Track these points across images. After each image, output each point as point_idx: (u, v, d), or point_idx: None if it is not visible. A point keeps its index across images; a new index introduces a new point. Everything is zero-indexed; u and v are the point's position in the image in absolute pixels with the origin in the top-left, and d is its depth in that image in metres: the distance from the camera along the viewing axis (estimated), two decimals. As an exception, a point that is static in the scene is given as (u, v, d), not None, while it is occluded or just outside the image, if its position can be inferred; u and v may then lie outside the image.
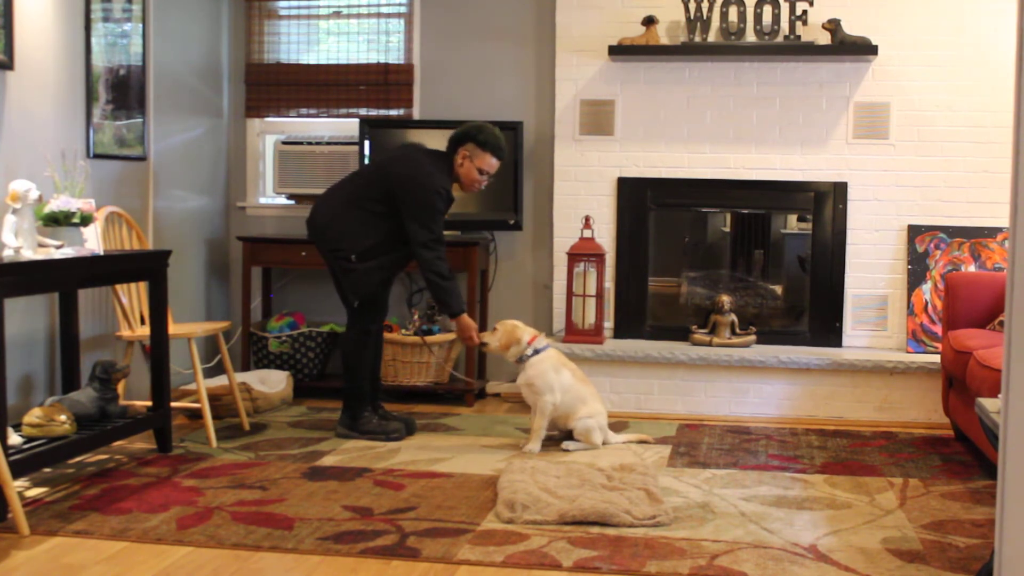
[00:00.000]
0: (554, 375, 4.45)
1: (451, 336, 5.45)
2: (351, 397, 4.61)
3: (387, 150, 5.24)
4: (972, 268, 5.20)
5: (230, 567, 3.00)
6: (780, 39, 5.25)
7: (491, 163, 4.46)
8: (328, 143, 5.76)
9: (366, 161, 5.58)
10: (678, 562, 3.04)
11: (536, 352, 4.49)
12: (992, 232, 5.22)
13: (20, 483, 3.73)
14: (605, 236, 5.51)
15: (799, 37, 5.22)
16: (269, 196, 6.02)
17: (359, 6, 5.85)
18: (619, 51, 5.34)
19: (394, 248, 4.51)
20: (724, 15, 5.27)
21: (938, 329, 5.18)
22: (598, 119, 5.51)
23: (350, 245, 4.46)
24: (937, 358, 4.91)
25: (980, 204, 5.23)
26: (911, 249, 5.30)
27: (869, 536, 3.29)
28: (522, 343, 4.50)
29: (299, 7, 5.93)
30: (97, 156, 4.68)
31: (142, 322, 4.54)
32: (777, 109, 5.39)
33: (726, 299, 5.34)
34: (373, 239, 4.47)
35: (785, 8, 5.24)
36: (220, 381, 5.06)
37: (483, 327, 5.70)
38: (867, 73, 5.30)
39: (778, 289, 5.66)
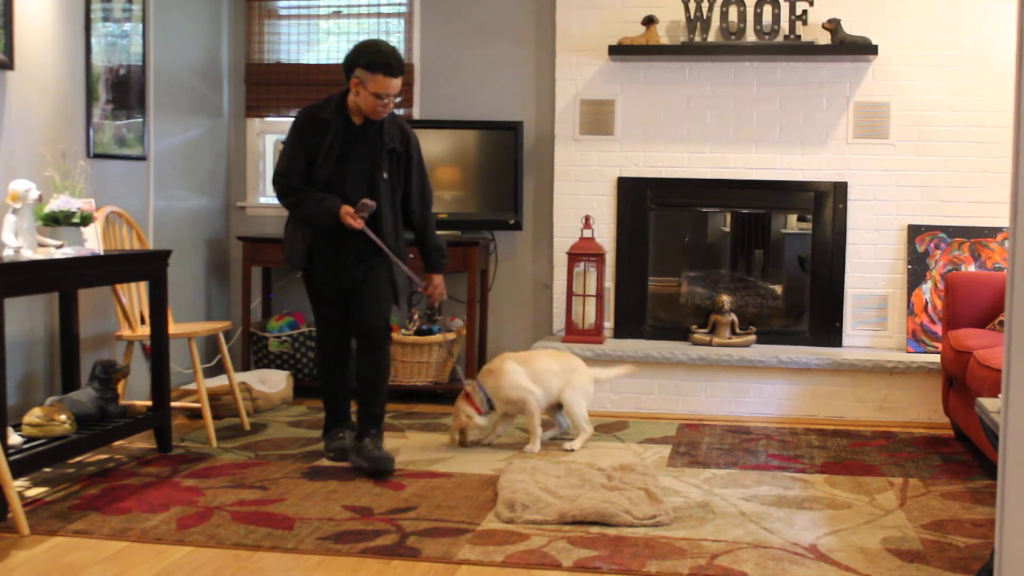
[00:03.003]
0: (521, 379, 4.42)
1: (451, 336, 5.46)
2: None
3: None
4: (972, 268, 5.20)
5: (230, 567, 3.00)
6: (780, 39, 5.25)
7: (385, 83, 3.88)
8: (328, 143, 5.75)
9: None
10: (678, 562, 3.04)
11: (487, 403, 4.42)
12: (992, 232, 5.22)
13: (20, 483, 3.73)
14: (605, 236, 5.51)
15: (799, 37, 5.22)
16: (269, 196, 6.02)
17: (359, 6, 5.86)
18: (619, 51, 5.34)
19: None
20: (724, 15, 5.27)
21: (938, 329, 5.18)
22: (598, 119, 5.51)
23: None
24: (937, 358, 4.90)
25: (980, 204, 5.23)
26: (911, 249, 5.30)
27: (869, 536, 3.29)
28: (472, 417, 4.38)
29: (299, 7, 5.93)
30: (97, 156, 4.68)
31: (142, 322, 4.54)
32: (777, 109, 5.39)
33: (726, 299, 5.34)
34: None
35: (785, 8, 5.24)
36: (220, 381, 5.06)
37: (484, 327, 5.71)
38: (867, 73, 5.30)
39: (778, 289, 5.66)
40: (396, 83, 3.91)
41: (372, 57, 3.89)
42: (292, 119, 4.16)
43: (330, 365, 4.22)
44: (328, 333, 4.19)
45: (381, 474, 3.91)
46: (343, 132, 3.99)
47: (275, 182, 4.05)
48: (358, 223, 3.95)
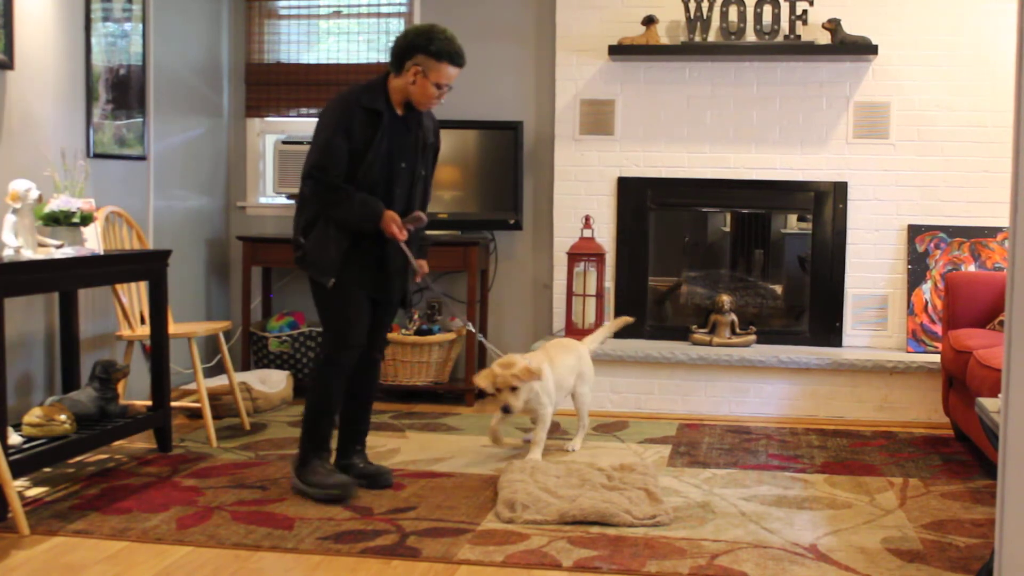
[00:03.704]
0: (550, 387, 4.27)
1: (451, 336, 5.46)
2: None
3: None
4: (972, 268, 5.20)
5: (230, 567, 3.00)
6: (780, 39, 5.25)
7: (449, 74, 3.63)
8: (328, 143, 5.75)
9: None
10: (678, 562, 3.04)
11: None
12: (992, 232, 5.22)
13: (20, 483, 3.73)
14: (605, 236, 5.51)
15: (799, 37, 5.22)
16: (269, 196, 6.02)
17: (359, 6, 5.86)
18: (619, 51, 5.34)
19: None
20: (724, 15, 5.27)
21: (938, 329, 5.18)
22: (598, 119, 5.51)
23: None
24: (937, 358, 4.90)
25: (980, 204, 5.23)
26: (911, 249, 5.30)
27: (869, 536, 3.29)
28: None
29: (299, 7, 5.93)
30: (97, 156, 4.68)
31: (142, 322, 4.54)
32: (777, 109, 5.39)
33: (726, 299, 5.34)
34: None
35: (785, 8, 5.24)
36: (220, 381, 5.06)
37: (484, 328, 5.71)
38: (867, 73, 5.30)
39: (778, 289, 5.66)
40: (456, 74, 3.68)
41: (442, 44, 3.58)
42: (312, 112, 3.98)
43: (341, 382, 3.72)
44: (348, 346, 3.69)
45: (385, 486, 3.79)
46: (390, 125, 3.63)
47: (311, 176, 3.56)
48: (403, 235, 3.59)
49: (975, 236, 5.24)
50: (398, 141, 3.64)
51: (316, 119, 3.74)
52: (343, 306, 3.69)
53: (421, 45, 3.56)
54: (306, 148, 5.63)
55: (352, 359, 3.70)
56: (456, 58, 3.63)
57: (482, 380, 4.17)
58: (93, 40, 4.63)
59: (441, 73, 3.60)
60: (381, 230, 3.58)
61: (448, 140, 5.61)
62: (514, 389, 4.08)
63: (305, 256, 3.66)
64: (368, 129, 3.56)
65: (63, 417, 3.72)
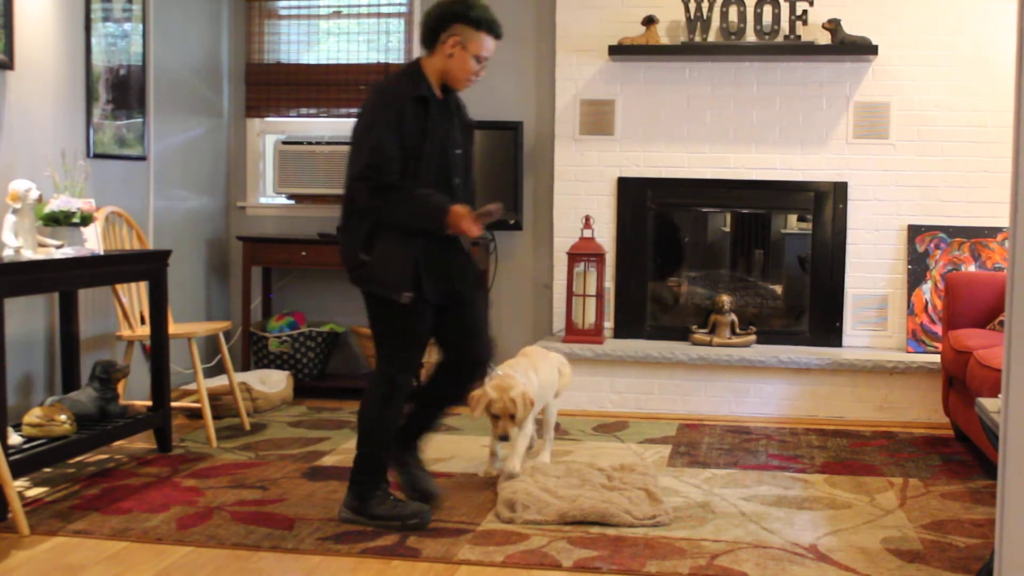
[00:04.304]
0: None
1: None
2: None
3: None
4: (972, 268, 5.20)
5: (230, 567, 3.00)
6: (780, 39, 5.25)
7: (489, 46, 3.33)
8: (328, 143, 5.76)
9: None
10: (678, 562, 3.04)
11: None
12: (992, 232, 5.22)
13: (20, 483, 3.73)
14: (605, 236, 5.50)
15: (799, 37, 5.22)
16: (269, 196, 6.02)
17: (359, 6, 5.85)
18: (619, 51, 5.34)
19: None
20: (724, 15, 5.27)
21: (938, 329, 5.18)
22: (598, 119, 5.51)
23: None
24: (937, 358, 4.90)
25: (980, 204, 5.23)
26: (911, 249, 5.30)
27: (869, 536, 3.29)
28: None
29: (299, 7, 5.93)
30: (97, 156, 4.68)
31: (142, 322, 4.54)
32: (777, 109, 5.39)
33: (726, 299, 5.34)
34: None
35: (785, 8, 5.24)
36: (220, 381, 5.06)
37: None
38: (867, 73, 5.30)
39: (778, 289, 5.66)
40: (494, 48, 3.37)
41: (481, 12, 3.29)
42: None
43: (400, 404, 3.42)
44: (413, 368, 3.43)
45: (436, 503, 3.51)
46: (437, 111, 3.33)
47: (363, 179, 3.22)
48: (476, 230, 3.25)
49: (975, 236, 5.24)
50: (446, 127, 3.35)
51: (352, 118, 3.41)
52: (413, 324, 3.35)
53: (460, 12, 3.27)
54: (306, 148, 5.72)
55: (410, 376, 3.41)
56: (495, 27, 3.34)
57: (477, 406, 3.77)
58: (93, 40, 4.63)
59: (481, 44, 3.30)
60: (446, 229, 3.24)
61: (448, 140, 5.63)
62: (513, 416, 3.75)
63: (371, 272, 3.28)
64: (418, 120, 3.26)
65: (63, 417, 3.72)
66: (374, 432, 3.38)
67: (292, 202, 5.87)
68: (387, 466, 3.44)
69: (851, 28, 5.19)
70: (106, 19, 4.75)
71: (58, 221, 3.77)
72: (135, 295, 4.55)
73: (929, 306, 5.26)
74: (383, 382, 3.37)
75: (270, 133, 6.01)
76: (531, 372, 4.00)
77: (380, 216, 3.25)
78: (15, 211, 3.64)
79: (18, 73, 4.12)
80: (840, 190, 5.34)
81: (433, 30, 3.31)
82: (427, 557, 3.07)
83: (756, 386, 5.15)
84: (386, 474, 3.43)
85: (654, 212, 5.54)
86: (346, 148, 5.90)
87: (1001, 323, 4.50)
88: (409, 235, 3.26)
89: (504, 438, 3.78)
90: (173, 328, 4.44)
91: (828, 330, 5.38)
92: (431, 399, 3.61)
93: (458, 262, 3.42)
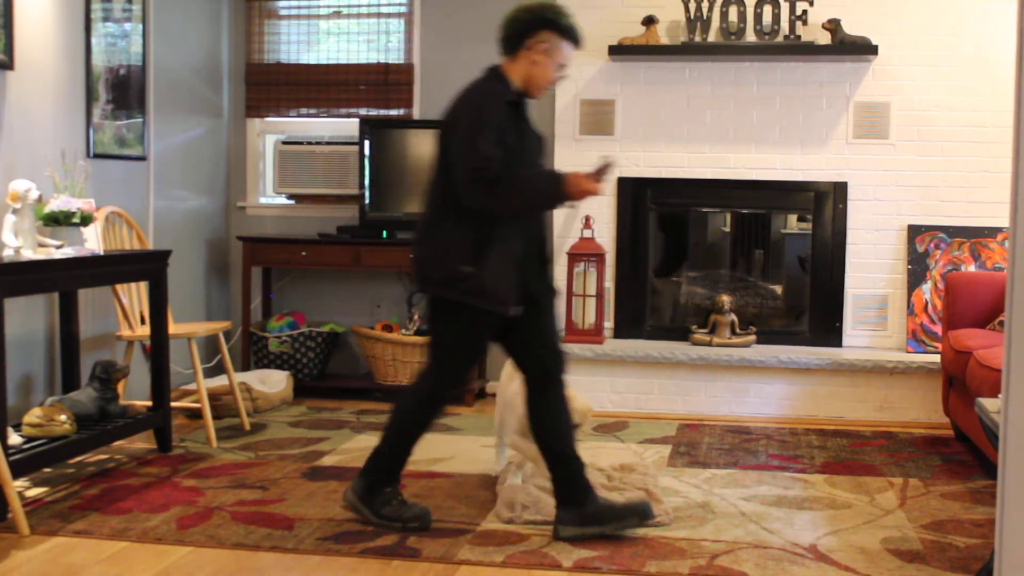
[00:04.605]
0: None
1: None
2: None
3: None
4: (972, 268, 5.20)
5: (230, 567, 3.00)
6: (780, 39, 5.25)
7: (572, 55, 3.29)
8: (328, 143, 5.76)
9: (366, 162, 5.57)
10: (678, 562, 3.04)
11: None
12: (992, 232, 5.22)
13: (20, 483, 3.73)
14: (605, 236, 5.50)
15: (799, 37, 5.22)
16: (269, 196, 6.02)
17: (359, 6, 5.85)
18: (619, 51, 5.34)
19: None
20: (724, 15, 5.27)
21: (938, 329, 5.18)
22: (598, 119, 5.51)
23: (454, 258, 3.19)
24: (937, 358, 4.90)
25: (980, 204, 5.23)
26: (911, 249, 5.29)
27: (869, 536, 3.29)
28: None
29: (299, 7, 5.93)
30: (97, 156, 4.68)
31: (142, 322, 4.54)
32: (777, 109, 5.39)
33: (726, 299, 5.34)
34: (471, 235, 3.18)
35: (785, 8, 5.24)
36: (220, 381, 5.06)
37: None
38: (867, 73, 5.30)
39: (778, 289, 5.66)
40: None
41: (570, 22, 3.24)
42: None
43: (436, 416, 3.40)
44: (463, 379, 3.38)
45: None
46: (524, 116, 3.31)
47: (482, 168, 3.06)
48: (601, 187, 3.17)
49: (975, 236, 5.24)
50: (531, 134, 3.33)
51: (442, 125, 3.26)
52: (479, 341, 3.30)
53: (551, 20, 3.21)
54: (306, 148, 5.72)
55: (461, 387, 3.33)
56: (580, 38, 3.29)
57: (580, 415, 3.53)
58: (93, 40, 4.63)
59: (566, 54, 3.24)
60: (569, 197, 3.13)
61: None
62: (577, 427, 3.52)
63: (477, 285, 3.13)
64: (514, 123, 3.21)
65: (63, 417, 3.72)
66: (402, 432, 3.35)
67: (292, 202, 5.88)
68: (402, 468, 3.41)
69: (851, 28, 5.19)
70: (106, 19, 4.75)
71: (58, 221, 3.77)
72: (135, 295, 4.55)
73: (929, 306, 5.26)
74: (428, 395, 3.32)
75: (270, 133, 6.01)
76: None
77: (496, 211, 3.11)
78: (15, 211, 3.64)
79: (18, 73, 4.12)
80: (840, 190, 5.34)
81: (519, 35, 3.23)
82: (427, 557, 3.07)
83: (756, 386, 5.16)
84: (399, 475, 3.40)
85: (654, 212, 5.54)
86: (345, 148, 5.93)
87: (1001, 323, 4.50)
88: (509, 239, 3.17)
89: None
90: (173, 328, 4.44)
91: (828, 330, 5.38)
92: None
93: (539, 264, 3.35)
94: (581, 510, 3.22)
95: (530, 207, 3.20)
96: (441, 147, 3.24)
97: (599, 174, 3.14)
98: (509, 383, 3.71)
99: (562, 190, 3.13)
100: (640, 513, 3.27)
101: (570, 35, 3.25)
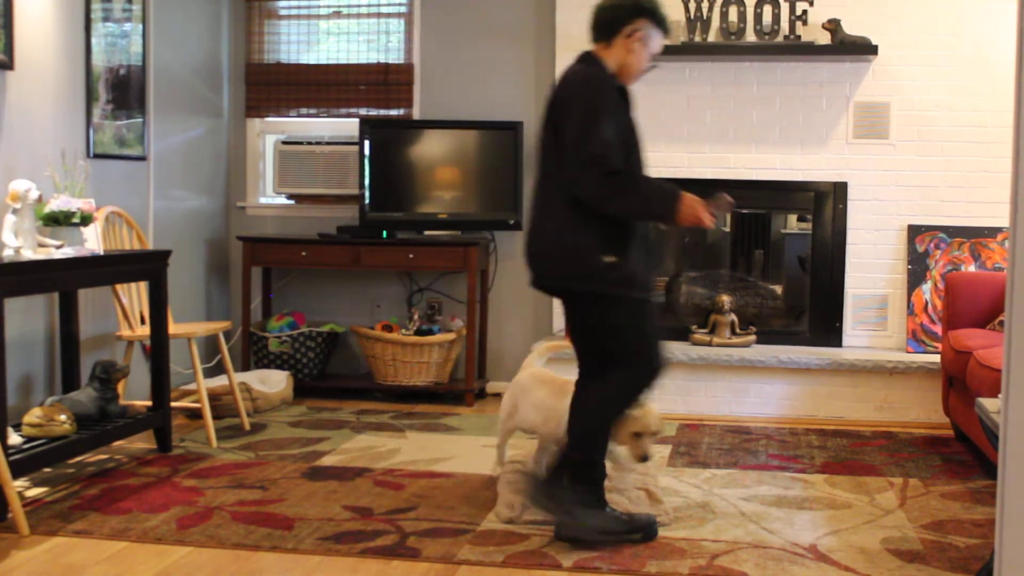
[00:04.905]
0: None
1: (451, 336, 5.46)
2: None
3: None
4: (972, 268, 5.20)
5: (230, 567, 3.00)
6: (780, 39, 5.25)
7: (662, 45, 3.29)
8: (328, 143, 5.76)
9: (366, 162, 5.57)
10: (678, 562, 3.04)
11: None
12: (992, 232, 5.22)
13: (20, 483, 3.73)
14: (605, 236, 5.49)
15: (799, 37, 5.22)
16: (269, 196, 6.02)
17: (359, 6, 5.85)
18: (619, 51, 5.33)
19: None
20: (724, 15, 5.27)
21: (938, 329, 5.18)
22: (598, 119, 5.50)
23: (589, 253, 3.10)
24: (937, 358, 4.90)
25: (980, 204, 5.23)
26: (911, 249, 5.30)
27: (869, 536, 3.29)
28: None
29: (299, 7, 5.93)
30: (97, 156, 4.68)
31: (142, 322, 4.54)
32: (777, 109, 5.39)
33: (726, 299, 5.34)
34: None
35: (785, 8, 5.24)
36: (220, 381, 5.06)
37: (484, 328, 5.71)
38: (867, 73, 5.30)
39: (778, 289, 5.66)
40: None
41: (664, 13, 3.22)
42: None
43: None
44: (661, 356, 3.24)
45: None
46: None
47: (602, 156, 2.99)
48: (711, 220, 3.08)
49: (975, 236, 5.24)
50: (635, 124, 3.27)
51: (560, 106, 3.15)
52: (647, 316, 3.18)
53: (649, 9, 3.19)
54: (306, 148, 5.72)
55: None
56: (670, 32, 3.31)
57: (656, 423, 3.46)
58: (93, 40, 4.63)
59: (659, 43, 3.24)
60: (677, 218, 3.04)
61: (448, 140, 5.63)
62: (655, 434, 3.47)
63: (629, 274, 3.07)
64: (623, 112, 3.17)
65: (63, 417, 3.72)
66: (602, 435, 3.22)
67: (292, 202, 5.88)
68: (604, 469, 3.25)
69: (851, 28, 5.19)
70: (106, 19, 4.75)
71: (58, 221, 3.77)
72: (135, 295, 4.55)
73: (929, 306, 5.26)
74: (644, 374, 3.18)
75: (270, 133, 6.01)
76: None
77: (600, 203, 3.03)
78: (15, 211, 3.64)
79: (18, 73, 4.12)
80: (840, 190, 5.34)
81: (616, 22, 3.20)
82: (427, 557, 3.07)
83: (756, 386, 5.15)
84: (603, 480, 3.26)
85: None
86: (345, 148, 5.92)
87: (1001, 323, 4.50)
88: (643, 233, 3.13)
89: (645, 459, 3.41)
90: (173, 328, 4.45)
91: (828, 330, 5.38)
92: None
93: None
94: (592, 512, 3.18)
95: (638, 211, 3.10)
96: (550, 135, 3.17)
97: (715, 206, 3.07)
98: (537, 388, 3.66)
99: (675, 208, 3.04)
100: (644, 530, 3.22)
101: (664, 26, 3.24)
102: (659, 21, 3.22)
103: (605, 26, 3.23)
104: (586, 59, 3.25)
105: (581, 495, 3.15)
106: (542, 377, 3.74)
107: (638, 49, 3.20)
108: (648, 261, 3.16)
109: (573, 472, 3.16)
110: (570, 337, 3.38)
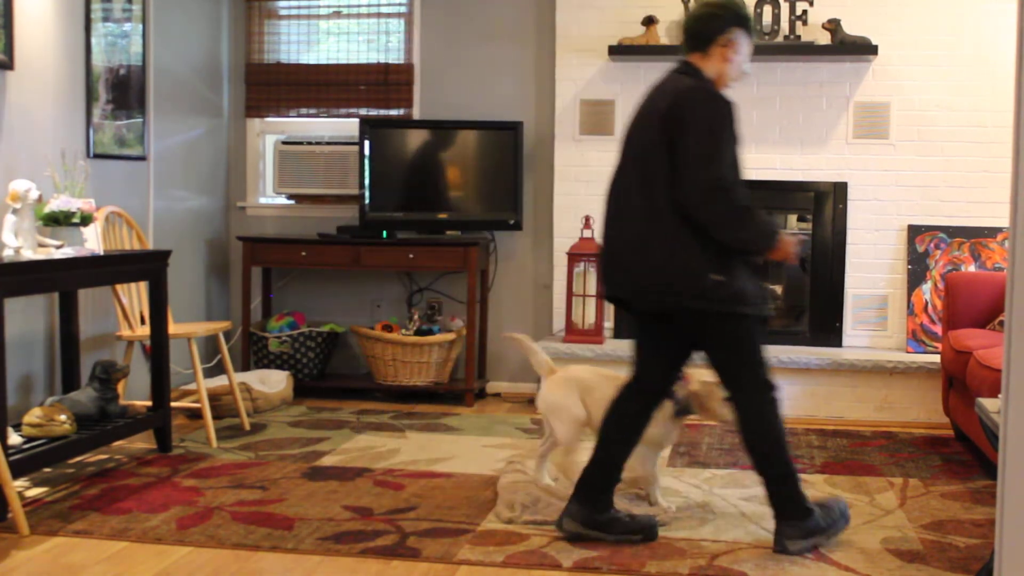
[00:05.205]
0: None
1: (451, 336, 5.46)
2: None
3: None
4: (972, 268, 5.20)
5: (230, 567, 3.00)
6: (780, 39, 5.25)
7: (751, 51, 3.29)
8: (328, 143, 5.76)
9: (366, 162, 5.57)
10: (678, 562, 3.04)
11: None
12: (992, 232, 5.22)
13: (20, 483, 3.73)
14: (605, 236, 5.49)
15: (799, 37, 5.22)
16: (269, 196, 6.02)
17: (359, 6, 5.85)
18: (619, 51, 5.34)
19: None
20: (724, 15, 5.26)
21: (938, 329, 5.18)
22: (598, 119, 5.51)
23: (699, 266, 3.06)
24: (937, 358, 4.90)
25: (980, 204, 5.23)
26: (911, 249, 5.29)
27: (869, 536, 3.29)
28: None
29: (299, 7, 5.93)
30: (97, 156, 4.68)
31: (142, 322, 4.54)
32: (777, 109, 5.39)
33: (726, 299, 5.33)
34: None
35: (785, 8, 5.24)
36: (220, 381, 5.06)
37: (484, 328, 5.71)
38: (867, 73, 5.30)
39: (778, 289, 5.66)
40: None
41: (751, 17, 3.25)
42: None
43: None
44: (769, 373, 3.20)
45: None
46: None
47: (729, 187, 3.01)
48: (796, 258, 3.25)
49: (975, 236, 5.24)
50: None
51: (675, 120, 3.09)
52: (759, 336, 3.17)
53: (742, 17, 3.21)
54: (306, 148, 5.72)
55: None
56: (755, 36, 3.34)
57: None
58: (93, 40, 4.63)
59: (749, 49, 3.25)
60: (770, 255, 3.14)
61: (448, 140, 5.64)
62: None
63: (740, 291, 3.06)
64: (736, 128, 3.14)
65: (63, 417, 3.72)
66: (781, 447, 3.15)
67: (292, 202, 5.88)
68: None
69: (851, 28, 5.19)
70: (106, 19, 4.75)
71: (58, 221, 3.77)
72: (135, 295, 4.55)
73: (929, 306, 5.26)
74: (766, 396, 3.14)
75: (270, 133, 6.01)
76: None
77: (721, 233, 3.03)
78: (15, 211, 3.64)
79: (18, 73, 4.12)
80: (840, 190, 5.34)
81: (715, 31, 3.20)
82: (427, 557, 3.07)
83: (756, 386, 5.14)
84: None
85: (654, 212, 5.53)
86: (345, 148, 5.93)
87: (1001, 323, 4.50)
88: (736, 251, 3.10)
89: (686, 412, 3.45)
90: (173, 328, 4.45)
91: (828, 330, 5.38)
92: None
93: None
94: (593, 514, 3.20)
95: (747, 244, 3.10)
96: (661, 151, 3.11)
97: (799, 244, 3.22)
98: (605, 384, 3.54)
99: (775, 246, 3.10)
100: (646, 531, 3.22)
101: (753, 33, 3.27)
102: (750, 29, 3.24)
103: (700, 36, 3.23)
104: (688, 70, 3.24)
105: (791, 508, 3.14)
106: (603, 373, 3.65)
107: (733, 58, 3.21)
108: (755, 278, 3.14)
109: (776, 491, 3.15)
110: (639, 353, 3.32)
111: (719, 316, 3.07)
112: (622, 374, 3.53)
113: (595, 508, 3.21)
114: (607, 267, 3.24)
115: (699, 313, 3.07)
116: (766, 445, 3.13)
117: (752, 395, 3.14)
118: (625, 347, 5.26)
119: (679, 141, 3.05)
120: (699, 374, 3.40)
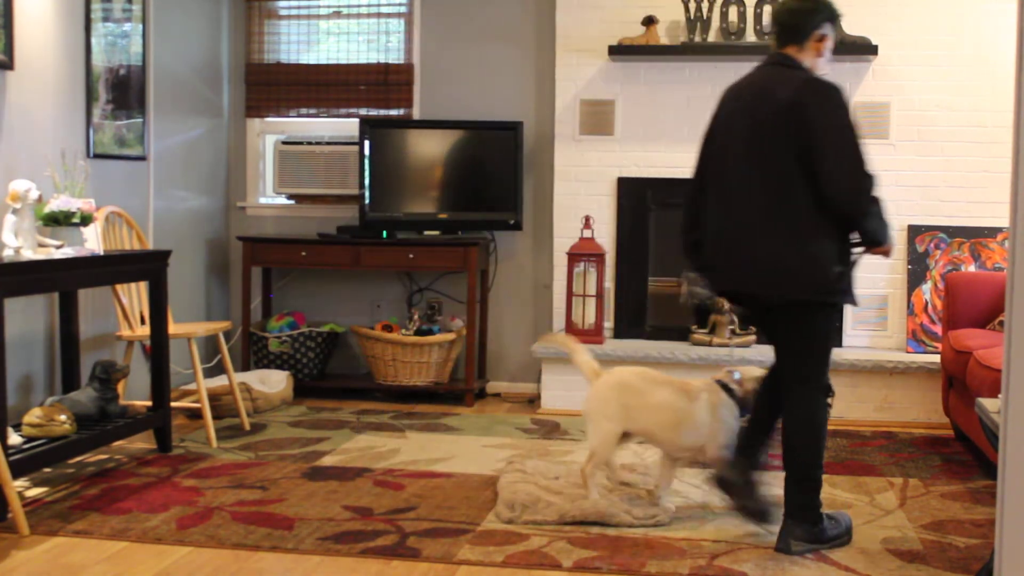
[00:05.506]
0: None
1: (451, 336, 5.46)
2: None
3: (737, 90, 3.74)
4: (972, 268, 5.20)
5: (230, 567, 3.00)
6: (780, 39, 5.24)
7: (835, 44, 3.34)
8: (328, 143, 5.76)
9: (366, 162, 5.57)
10: (678, 562, 3.04)
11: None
12: (992, 232, 5.22)
13: (20, 483, 3.73)
14: (605, 236, 5.50)
15: (799, 37, 5.21)
16: (269, 196, 6.02)
17: (359, 6, 5.85)
18: (619, 51, 5.34)
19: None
20: (724, 15, 5.27)
21: (938, 329, 5.18)
22: (598, 119, 5.51)
23: (822, 266, 3.10)
24: (937, 358, 4.90)
25: (980, 204, 5.23)
26: (911, 249, 5.29)
27: (869, 536, 3.29)
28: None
29: (299, 7, 5.93)
30: (97, 156, 4.68)
31: (142, 322, 4.54)
32: (777, 109, 5.38)
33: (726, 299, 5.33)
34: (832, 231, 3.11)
35: (785, 8, 5.23)
36: (220, 381, 5.06)
37: (484, 328, 5.71)
38: (867, 73, 5.30)
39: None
40: None
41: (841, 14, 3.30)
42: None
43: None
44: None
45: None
46: None
47: (872, 184, 3.05)
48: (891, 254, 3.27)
49: (975, 236, 5.24)
50: None
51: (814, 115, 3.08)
52: (832, 330, 3.24)
53: (833, 11, 3.26)
54: (306, 148, 5.72)
55: None
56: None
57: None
58: (93, 40, 4.63)
59: (834, 42, 3.30)
60: (887, 243, 3.15)
61: (448, 140, 5.63)
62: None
63: (850, 283, 3.13)
64: None
65: (63, 417, 3.73)
66: (818, 452, 3.17)
67: (292, 202, 5.88)
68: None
69: (851, 28, 5.19)
70: (106, 19, 4.75)
71: (58, 221, 3.77)
72: (135, 295, 4.55)
73: (929, 306, 5.26)
74: (823, 393, 3.19)
75: (270, 133, 6.01)
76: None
77: (863, 224, 3.09)
78: (15, 211, 3.64)
79: (18, 73, 4.12)
80: (840, 190, 5.33)
81: (808, 25, 3.23)
82: (427, 557, 3.07)
83: (756, 386, 5.14)
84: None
85: (654, 212, 5.53)
86: (345, 148, 5.92)
87: (1001, 323, 4.50)
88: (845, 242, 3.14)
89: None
90: (173, 328, 4.45)
91: (828, 330, 5.37)
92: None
93: None
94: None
95: (876, 232, 3.12)
96: (772, 141, 3.14)
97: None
98: (655, 389, 3.49)
99: (888, 239, 3.15)
100: (761, 515, 3.31)
101: (840, 28, 3.35)
102: (838, 24, 3.30)
103: (798, 29, 3.25)
104: (790, 62, 3.25)
105: (812, 511, 3.18)
106: (652, 376, 3.56)
107: (825, 52, 3.26)
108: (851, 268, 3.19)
109: (806, 491, 3.18)
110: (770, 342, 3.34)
111: (817, 306, 3.12)
112: (672, 376, 3.57)
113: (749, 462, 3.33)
114: (723, 261, 3.26)
115: (803, 304, 3.12)
116: (805, 444, 3.15)
117: (812, 392, 3.18)
118: (625, 347, 5.26)
119: (814, 135, 3.05)
120: (752, 371, 3.52)
